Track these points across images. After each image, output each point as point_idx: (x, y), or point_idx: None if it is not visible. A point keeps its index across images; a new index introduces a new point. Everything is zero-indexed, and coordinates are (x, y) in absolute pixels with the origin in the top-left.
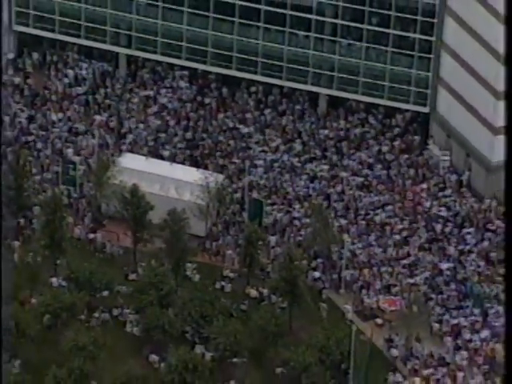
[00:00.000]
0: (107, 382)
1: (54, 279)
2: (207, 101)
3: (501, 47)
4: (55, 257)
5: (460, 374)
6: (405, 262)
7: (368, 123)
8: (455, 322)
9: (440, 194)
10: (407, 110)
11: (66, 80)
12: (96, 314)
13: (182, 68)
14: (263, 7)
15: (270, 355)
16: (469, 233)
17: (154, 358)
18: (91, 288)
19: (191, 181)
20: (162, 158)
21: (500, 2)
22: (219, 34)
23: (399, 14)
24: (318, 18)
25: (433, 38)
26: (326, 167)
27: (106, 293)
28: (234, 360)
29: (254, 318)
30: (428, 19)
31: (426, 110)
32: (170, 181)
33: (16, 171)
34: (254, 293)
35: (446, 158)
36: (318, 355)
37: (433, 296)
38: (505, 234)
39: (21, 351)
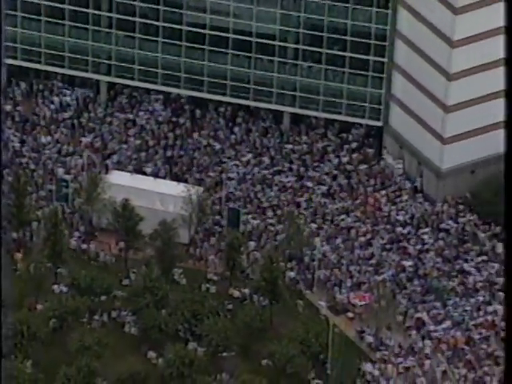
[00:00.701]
0: (111, 378)
1: (55, 286)
2: (182, 121)
3: (448, 65)
4: (56, 266)
5: (427, 362)
6: (371, 261)
7: (327, 138)
8: (419, 315)
9: (397, 199)
10: (362, 125)
11: (53, 106)
12: (96, 317)
13: (157, 92)
14: (231, 36)
15: (256, 349)
16: (425, 233)
17: (151, 354)
18: (91, 293)
19: (174, 194)
20: (145, 174)
21: (446, 24)
22: (191, 60)
23: (354, 39)
24: (281, 44)
25: (385, 59)
26: (293, 178)
27: (103, 297)
28: (224, 354)
29: (239, 315)
30: (380, 42)
31: (379, 123)
32: (155, 194)
33: (17, 190)
34: (236, 293)
35: (400, 166)
36: (300, 347)
37: (398, 291)
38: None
39: (32, 352)
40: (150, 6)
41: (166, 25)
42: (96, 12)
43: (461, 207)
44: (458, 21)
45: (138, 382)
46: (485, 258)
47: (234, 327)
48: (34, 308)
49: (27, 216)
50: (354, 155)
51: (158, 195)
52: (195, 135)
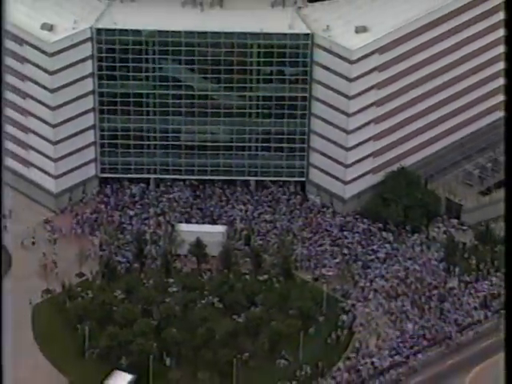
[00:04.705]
0: (223, 330)
1: (169, 289)
2: (198, 193)
3: (345, 143)
4: (167, 278)
5: (380, 308)
6: (326, 253)
7: (273, 191)
8: (362, 278)
9: (325, 218)
10: (290, 181)
11: (128, 194)
12: (198, 301)
13: (179, 180)
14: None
15: (284, 305)
16: (348, 234)
17: (235, 317)
18: (193, 289)
19: (217, 231)
20: (192, 223)
21: (343, 120)
22: (200, 160)
23: (286, 145)
24: (248, 144)
25: (305, 145)
26: (269, 215)
27: (197, 291)
28: (271, 311)
29: (275, 289)
30: (300, 137)
31: (304, 179)
32: (206, 233)
33: (137, 240)
34: (261, 278)
35: (318, 200)
36: (312, 302)
37: (349, 266)
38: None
39: (171, 323)
40: (167, 126)
41: (186, 143)
42: (139, 142)
43: (357, 217)
44: (351, 121)
45: (235, 333)
46: (381, 242)
47: (273, 296)
48: (163, 302)
49: (143, 251)
50: (293, 200)
51: (208, 233)
52: (208, 200)
